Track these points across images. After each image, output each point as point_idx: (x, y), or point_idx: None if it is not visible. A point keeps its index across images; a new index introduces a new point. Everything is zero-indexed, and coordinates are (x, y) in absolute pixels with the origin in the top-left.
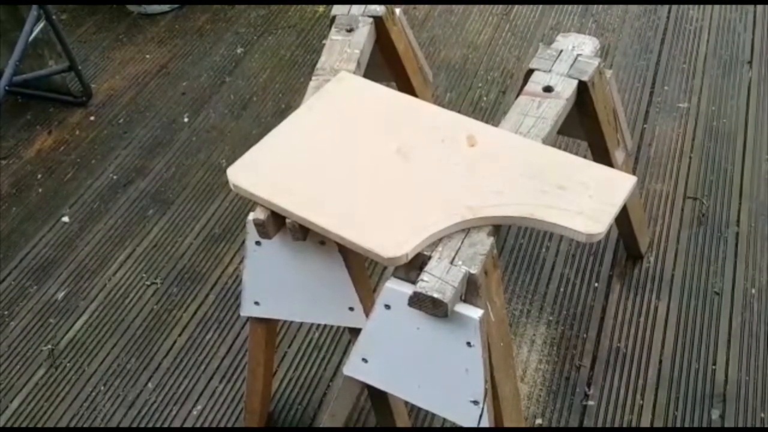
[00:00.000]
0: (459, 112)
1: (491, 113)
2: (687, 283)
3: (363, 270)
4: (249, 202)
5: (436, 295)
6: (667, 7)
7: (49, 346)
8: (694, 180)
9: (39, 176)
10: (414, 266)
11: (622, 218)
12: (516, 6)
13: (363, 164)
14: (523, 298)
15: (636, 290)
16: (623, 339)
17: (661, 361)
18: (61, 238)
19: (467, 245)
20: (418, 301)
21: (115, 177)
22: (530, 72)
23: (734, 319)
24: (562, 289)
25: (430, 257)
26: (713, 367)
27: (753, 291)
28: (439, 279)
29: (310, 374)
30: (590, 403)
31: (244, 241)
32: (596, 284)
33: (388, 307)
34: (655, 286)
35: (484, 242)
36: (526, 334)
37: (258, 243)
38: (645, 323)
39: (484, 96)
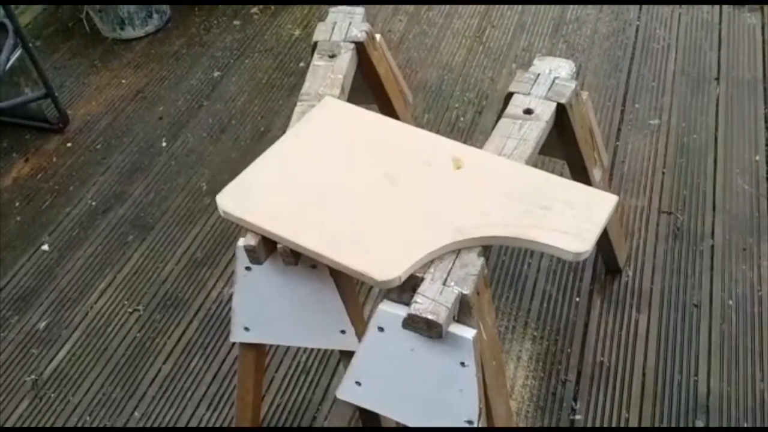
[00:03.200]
0: (437, 132)
1: (469, 133)
2: (666, 296)
3: (354, 293)
4: (231, 226)
5: (430, 317)
6: (635, 26)
7: (33, 377)
8: (667, 195)
9: (17, 204)
10: (406, 288)
11: (601, 234)
12: (488, 28)
13: (351, 189)
14: (508, 314)
15: (616, 304)
16: (606, 353)
17: (644, 374)
18: (41, 266)
19: (458, 266)
20: (412, 322)
21: (93, 203)
22: (510, 95)
23: (713, 330)
24: (545, 305)
25: (422, 279)
26: (695, 378)
27: (730, 302)
28: (433, 300)
29: (299, 398)
30: (578, 417)
31: (227, 266)
32: (578, 299)
33: (381, 329)
34: (635, 300)
35: (475, 263)
36: (512, 351)
37: (248, 268)
38: (627, 337)
39: (461, 116)
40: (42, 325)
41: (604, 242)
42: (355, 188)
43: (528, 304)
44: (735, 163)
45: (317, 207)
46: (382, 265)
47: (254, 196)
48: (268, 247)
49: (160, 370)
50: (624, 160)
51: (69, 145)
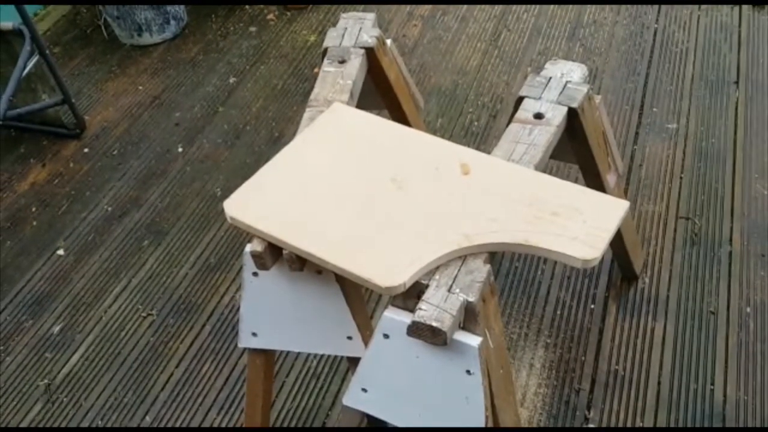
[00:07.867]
0: (450, 137)
1: (483, 138)
2: (682, 304)
3: (360, 298)
4: (244, 231)
5: (434, 324)
6: (653, 29)
7: (46, 381)
8: (685, 200)
9: (33, 209)
10: (411, 295)
11: (616, 240)
12: (504, 32)
13: (358, 194)
14: (520, 321)
15: (632, 312)
16: (621, 361)
17: (659, 383)
18: (56, 271)
19: (464, 273)
20: (416, 330)
21: (109, 208)
22: (520, 99)
23: (731, 338)
24: (558, 312)
25: (427, 285)
26: (711, 387)
27: (748, 310)
28: (437, 307)
29: (309, 404)
30: (591, 426)
31: (239, 271)
32: (592, 306)
33: (386, 336)
34: (651, 307)
35: (480, 269)
36: (524, 358)
37: (255, 274)
38: (642, 345)
39: (475, 121)
40: (56, 329)
41: (619, 249)
42: (361, 193)
43: (541, 311)
44: (754, 167)
45: (324, 212)
46: (387, 271)
47: (261, 202)
48: (274, 253)
49: (172, 375)
50: (641, 164)
51: (86, 150)
